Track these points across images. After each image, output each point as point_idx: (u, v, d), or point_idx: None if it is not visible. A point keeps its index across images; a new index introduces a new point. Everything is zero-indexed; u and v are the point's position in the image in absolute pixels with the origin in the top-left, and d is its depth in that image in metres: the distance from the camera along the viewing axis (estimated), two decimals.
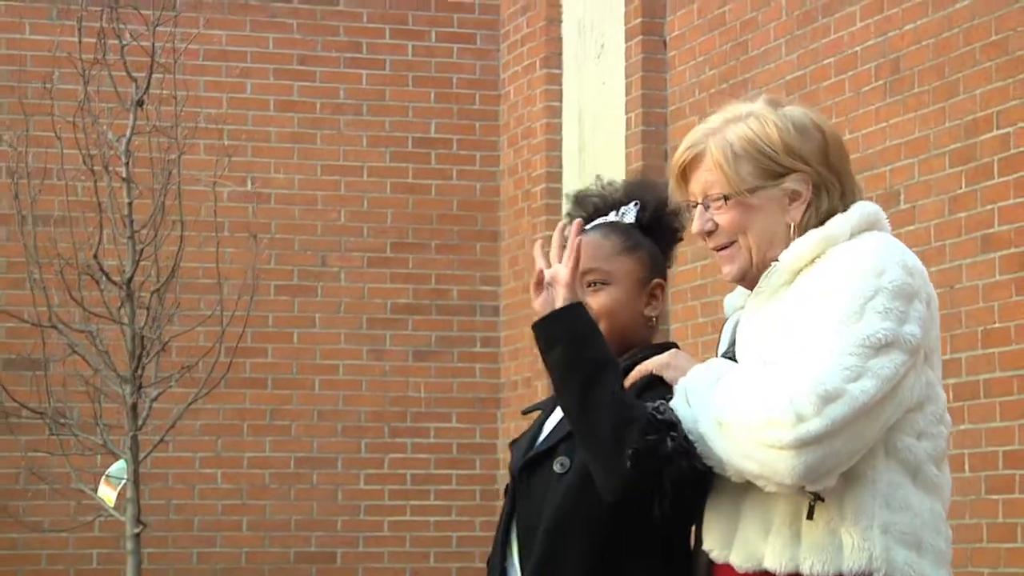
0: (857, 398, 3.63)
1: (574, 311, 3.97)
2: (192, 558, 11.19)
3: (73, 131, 8.49)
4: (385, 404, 11.60)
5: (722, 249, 3.92)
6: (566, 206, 4.59)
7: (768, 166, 3.88)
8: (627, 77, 10.41)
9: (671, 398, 3.94)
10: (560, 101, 11.19)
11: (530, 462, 4.27)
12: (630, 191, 4.42)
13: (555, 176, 11.14)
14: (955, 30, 8.04)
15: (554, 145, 11.15)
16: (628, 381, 4.04)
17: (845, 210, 3.88)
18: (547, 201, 11.12)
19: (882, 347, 3.68)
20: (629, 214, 4.32)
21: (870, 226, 3.89)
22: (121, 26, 8.61)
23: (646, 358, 4.19)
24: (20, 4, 11.14)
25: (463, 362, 11.74)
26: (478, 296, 11.84)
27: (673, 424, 3.82)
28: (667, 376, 3.99)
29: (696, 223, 3.91)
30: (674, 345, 4.39)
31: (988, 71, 7.85)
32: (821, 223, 3.87)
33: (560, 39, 11.22)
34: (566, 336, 3.97)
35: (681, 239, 4.42)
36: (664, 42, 10.26)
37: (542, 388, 11.00)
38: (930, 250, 8.11)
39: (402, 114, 11.77)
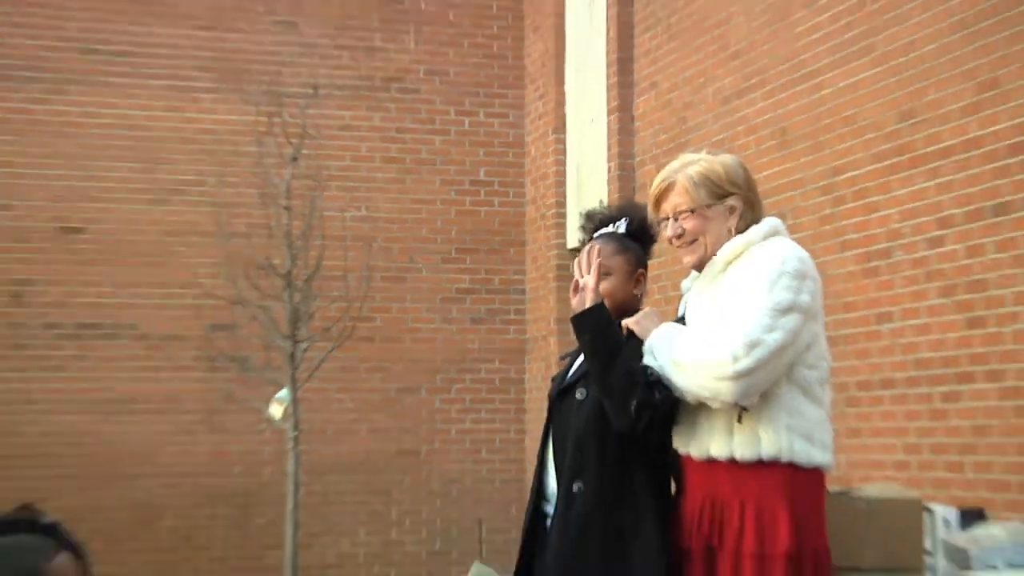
0: (771, 344, 3.74)
1: (598, 310, 4.06)
2: (329, 452, 11.27)
3: (252, 177, 8.60)
4: (452, 353, 11.65)
5: (687, 246, 4.03)
6: (579, 221, 4.57)
7: (716, 190, 3.99)
8: (608, 139, 10.42)
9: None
10: (564, 155, 11.21)
11: (561, 392, 4.35)
12: (621, 210, 4.53)
13: (561, 204, 11.18)
14: (825, 106, 8.10)
15: (560, 184, 11.19)
16: None
17: (757, 222, 3.99)
18: (556, 220, 11.17)
19: (786, 310, 3.78)
20: (621, 226, 4.41)
21: (775, 232, 3.99)
22: (283, 108, 8.70)
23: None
24: (217, 96, 11.19)
25: (502, 325, 11.79)
26: (511, 282, 11.88)
27: (659, 381, 3.90)
28: (637, 331, 4.03)
29: (669, 230, 4.04)
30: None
31: (844, 135, 7.91)
32: (744, 230, 3.98)
33: (564, 115, 11.25)
34: (592, 328, 4.04)
35: (655, 241, 4.51)
36: (632, 117, 10.27)
37: (555, 343, 11.06)
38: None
39: (462, 165, 11.81)
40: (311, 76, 9.84)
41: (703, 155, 4.10)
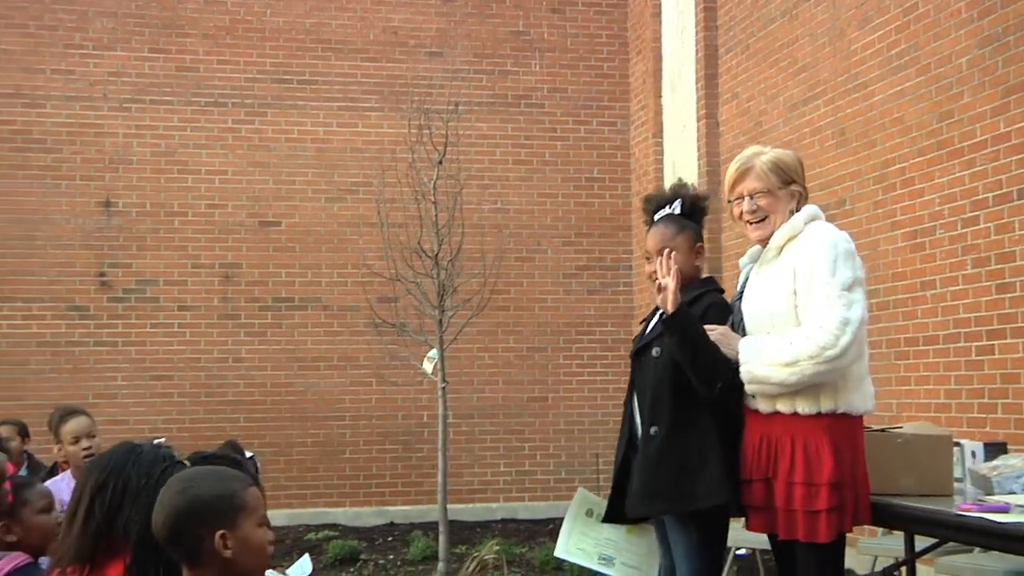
0: (856, 318, 3.64)
1: (682, 315, 3.93)
2: (473, 399, 11.32)
3: (406, 178, 8.62)
4: (571, 318, 11.60)
5: (757, 223, 3.91)
6: (641, 205, 4.46)
7: (784, 176, 3.90)
8: (697, 142, 10.29)
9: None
10: (662, 155, 11.08)
11: (639, 350, 4.28)
12: (675, 193, 4.39)
13: None
14: (876, 110, 7.90)
15: (659, 179, 11.04)
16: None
17: (799, 209, 3.87)
18: None
19: (851, 286, 3.68)
20: (677, 207, 4.30)
21: (815, 217, 3.88)
22: (429, 122, 8.71)
23: (700, 289, 4.18)
24: (381, 114, 11.26)
25: (612, 295, 11.69)
26: (620, 260, 11.78)
27: (736, 369, 3.83)
28: (721, 346, 3.86)
29: (745, 206, 3.90)
30: (712, 279, 4.37)
31: (892, 134, 7.70)
32: (795, 212, 3.87)
33: (662, 123, 11.12)
34: (680, 329, 3.93)
35: (706, 215, 4.37)
36: (717, 123, 10.13)
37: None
38: (859, 231, 7.99)
39: (578, 165, 11.72)
40: (455, 96, 9.82)
41: (769, 148, 4.00)
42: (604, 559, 4.56)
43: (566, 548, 4.59)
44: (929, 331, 7.31)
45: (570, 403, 11.45)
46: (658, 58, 11.15)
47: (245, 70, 11.25)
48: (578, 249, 11.63)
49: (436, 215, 8.33)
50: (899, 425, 4.32)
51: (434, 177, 8.37)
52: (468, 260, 8.93)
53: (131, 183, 10.97)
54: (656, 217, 4.30)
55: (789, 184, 3.89)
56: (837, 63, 8.31)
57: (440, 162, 8.38)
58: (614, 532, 4.41)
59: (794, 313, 3.70)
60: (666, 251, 4.05)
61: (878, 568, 5.99)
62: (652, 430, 4.09)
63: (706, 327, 3.96)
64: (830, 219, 8.07)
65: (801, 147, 8.71)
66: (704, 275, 4.36)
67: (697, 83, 10.31)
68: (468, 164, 10.78)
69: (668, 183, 10.98)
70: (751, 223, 3.91)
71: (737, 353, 3.82)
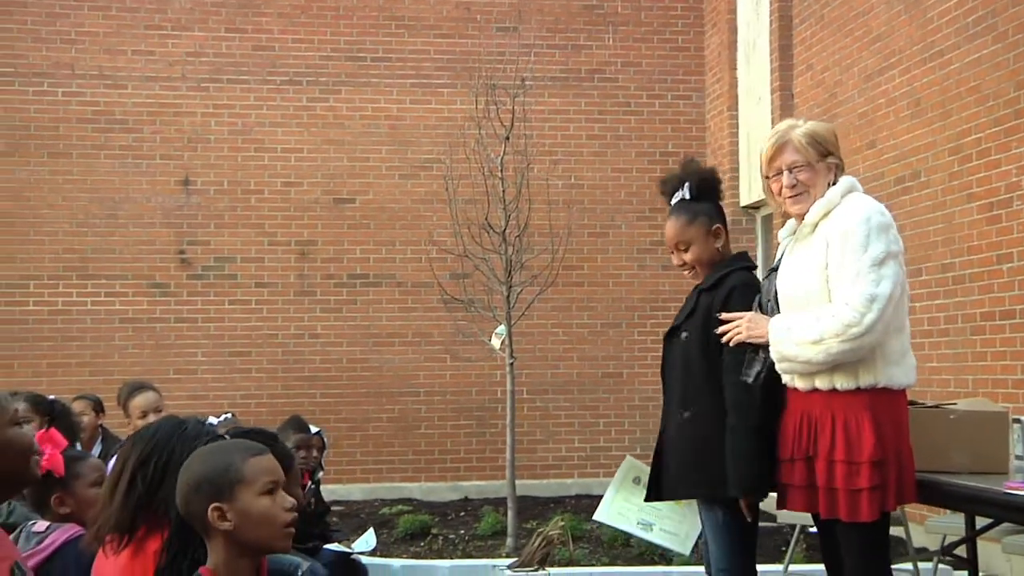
0: (885, 294, 3.56)
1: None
2: (547, 375, 11.33)
3: (475, 154, 8.62)
4: (646, 294, 11.52)
5: (797, 196, 3.84)
6: (659, 188, 4.34)
7: (821, 149, 3.82)
8: (772, 114, 10.13)
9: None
10: (737, 129, 10.95)
11: (669, 332, 4.25)
12: (684, 173, 4.26)
13: (735, 169, 10.92)
14: (952, 80, 7.72)
15: (734, 153, 10.94)
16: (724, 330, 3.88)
17: (835, 182, 3.80)
18: (730, 183, 10.87)
19: (883, 261, 3.59)
20: (686, 192, 4.22)
21: (852, 189, 3.81)
22: (497, 98, 8.70)
23: (727, 269, 4.11)
24: (453, 90, 11.26)
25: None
26: None
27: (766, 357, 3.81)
28: (754, 334, 3.81)
29: (785, 180, 3.83)
30: (743, 254, 4.30)
31: (968, 104, 7.52)
32: (831, 185, 3.80)
33: (737, 96, 10.98)
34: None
35: (719, 185, 4.25)
36: (792, 95, 9.96)
37: None
38: (934, 204, 7.83)
39: (653, 139, 11.61)
40: (528, 71, 9.79)
41: (803, 120, 3.93)
42: (643, 524, 4.55)
43: (607, 513, 4.60)
44: (1006, 305, 7.14)
45: (645, 379, 11.39)
46: (733, 30, 11.01)
47: (319, 48, 11.34)
48: (652, 224, 11.53)
49: (503, 191, 8.33)
50: (953, 402, 4.23)
51: (501, 153, 8.36)
52: (537, 234, 8.92)
53: (209, 162, 11.15)
54: (671, 204, 4.24)
55: (826, 156, 3.82)
56: (912, 32, 8.12)
57: (507, 138, 8.37)
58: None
59: (827, 289, 3.64)
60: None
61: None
62: (685, 414, 4.06)
63: (733, 316, 3.90)
64: (905, 191, 7.98)
65: (876, 118, 8.56)
66: (735, 252, 4.28)
67: (771, 54, 10.16)
68: (540, 140, 10.77)
69: (743, 156, 10.94)
70: (790, 197, 3.84)
71: (766, 336, 3.77)
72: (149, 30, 11.17)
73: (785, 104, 9.90)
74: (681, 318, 4.21)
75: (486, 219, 8.30)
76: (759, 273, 4.24)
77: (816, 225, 3.76)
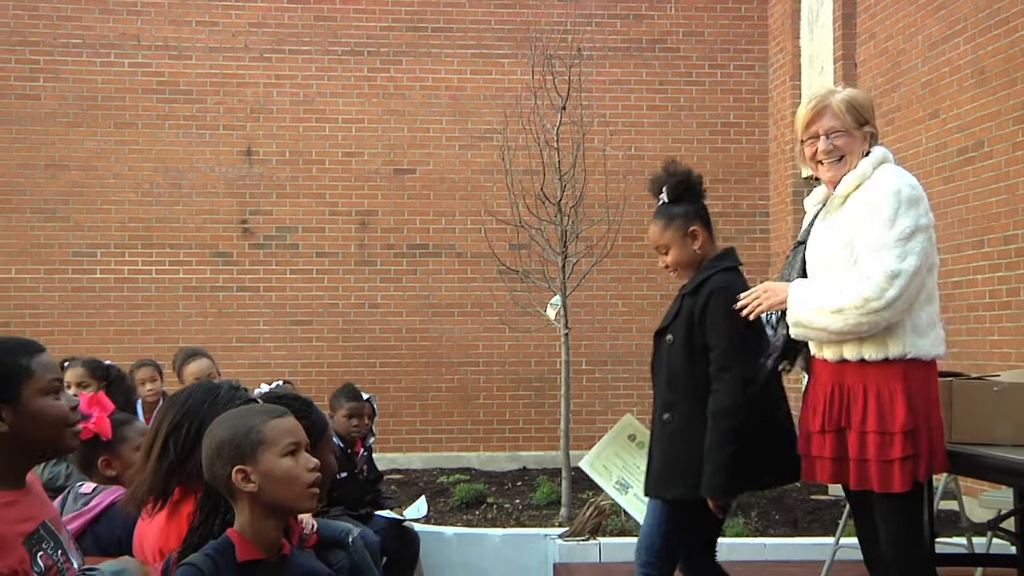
0: (909, 270, 3.54)
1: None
2: (606, 346, 11.34)
3: (531, 125, 8.63)
4: None
5: (833, 162, 3.81)
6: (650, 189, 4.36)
7: (859, 117, 3.80)
8: (834, 84, 9.99)
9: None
10: (800, 99, 10.79)
11: (657, 333, 4.27)
12: (664, 176, 4.30)
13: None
14: (1018, 47, 7.56)
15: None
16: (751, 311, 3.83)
17: (869, 152, 3.76)
18: (793, 155, 10.80)
19: (911, 236, 3.57)
20: (664, 197, 4.20)
21: (884, 160, 3.77)
22: (552, 68, 8.68)
23: (708, 272, 4.16)
24: (514, 60, 11.24)
25: (749, 242, 11.40)
26: (757, 207, 11.55)
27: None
28: (772, 301, 3.78)
29: (821, 145, 3.81)
30: (731, 249, 4.28)
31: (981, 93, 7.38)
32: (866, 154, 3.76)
33: (800, 65, 10.86)
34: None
35: (699, 185, 4.35)
36: (855, 64, 9.83)
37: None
38: (997, 175, 7.68)
39: (715, 110, 11.51)
40: (586, 41, 9.76)
41: (842, 87, 3.89)
42: (620, 485, 4.52)
43: (591, 463, 4.58)
44: None
45: None
46: None
47: (380, 19, 11.39)
48: (714, 195, 11.15)
49: (559, 161, 8.32)
50: (997, 373, 4.18)
51: (557, 123, 8.35)
52: (592, 204, 8.91)
53: (271, 132, 11.27)
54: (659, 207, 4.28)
55: (863, 125, 3.78)
56: None
57: (563, 108, 8.36)
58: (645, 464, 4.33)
59: (853, 261, 3.62)
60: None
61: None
62: (665, 416, 4.08)
63: (749, 295, 3.89)
64: (968, 162, 7.86)
65: (939, 87, 8.42)
66: (722, 249, 4.31)
67: (835, 23, 10.02)
68: (601, 110, 10.73)
69: None
70: (824, 162, 3.81)
71: (783, 302, 3.75)
72: (213, 1, 11.29)
73: (848, 73, 9.77)
74: (667, 320, 4.19)
75: (542, 189, 8.30)
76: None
77: (847, 197, 3.73)
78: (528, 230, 8.45)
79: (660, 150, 11.43)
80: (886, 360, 3.62)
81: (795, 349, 3.89)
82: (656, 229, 4.21)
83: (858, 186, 3.72)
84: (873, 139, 3.81)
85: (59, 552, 2.59)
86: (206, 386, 3.28)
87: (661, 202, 4.24)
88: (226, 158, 11.24)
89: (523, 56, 10.95)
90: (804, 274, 3.87)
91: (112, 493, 3.59)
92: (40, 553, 2.51)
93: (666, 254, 4.20)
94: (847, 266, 3.65)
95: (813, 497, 9.04)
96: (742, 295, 3.89)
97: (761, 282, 11.61)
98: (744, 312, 3.84)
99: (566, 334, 8.33)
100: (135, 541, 3.25)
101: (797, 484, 9.74)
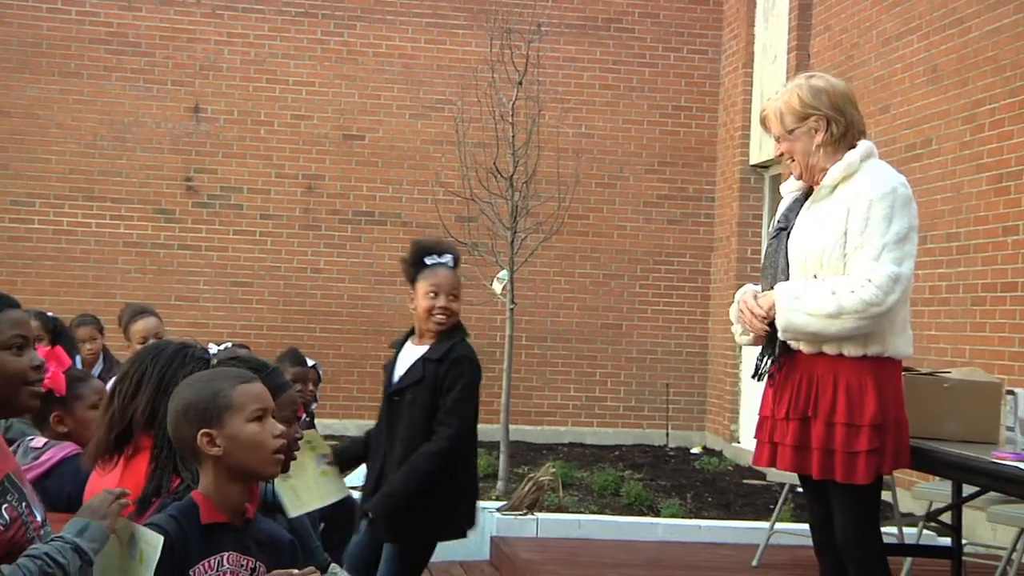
0: (907, 273, 3.61)
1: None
2: (547, 323, 11.35)
3: (487, 98, 8.59)
4: (650, 247, 11.46)
5: (790, 162, 3.89)
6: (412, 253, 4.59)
7: (797, 114, 3.81)
8: (787, 73, 10.03)
9: None
10: (751, 87, 10.86)
11: (393, 393, 4.42)
12: (442, 245, 4.65)
13: (747, 128, 10.85)
14: (971, 48, 7.66)
15: (747, 111, 10.86)
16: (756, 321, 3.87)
17: (854, 145, 3.79)
18: (741, 141, 10.87)
19: (905, 237, 3.62)
20: (451, 261, 4.53)
21: (869, 155, 3.80)
22: (511, 42, 8.65)
23: (451, 341, 4.42)
24: (468, 31, 11.20)
25: (693, 226, 11.50)
26: (703, 191, 11.56)
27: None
28: (762, 307, 3.81)
29: (774, 149, 3.91)
30: (461, 323, 4.55)
31: (986, 73, 7.48)
32: (838, 141, 3.78)
33: (753, 53, 10.90)
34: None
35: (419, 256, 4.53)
36: (808, 55, 9.90)
37: (736, 243, 10.84)
38: (943, 172, 7.79)
39: (666, 92, 11.51)
40: (544, 17, 9.72)
41: (799, 80, 3.91)
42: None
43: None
44: (1008, 277, 7.13)
45: (644, 332, 11.43)
46: None
47: None
48: (661, 178, 11.51)
49: (513, 136, 8.30)
50: (947, 370, 4.25)
51: (513, 98, 8.32)
52: (544, 181, 8.90)
53: (220, 90, 11.11)
54: (443, 263, 4.51)
55: (806, 119, 3.78)
56: None
57: (520, 83, 8.33)
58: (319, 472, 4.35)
59: (843, 253, 3.65)
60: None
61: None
62: (396, 469, 4.26)
63: (741, 297, 3.96)
64: (915, 159, 7.95)
65: (891, 83, 8.51)
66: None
67: (790, 13, 10.08)
68: (553, 87, 10.70)
69: (755, 115, 10.85)
70: (789, 163, 3.91)
71: (767, 310, 3.77)
72: None
73: (801, 64, 9.83)
74: (408, 382, 4.34)
75: (495, 164, 8.27)
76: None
77: (835, 188, 3.75)
78: (478, 203, 8.43)
79: (610, 130, 11.46)
80: (863, 357, 3.65)
81: (775, 343, 3.86)
82: (455, 281, 4.41)
83: (846, 177, 3.73)
84: (832, 126, 3.78)
85: (23, 504, 2.55)
86: (154, 343, 3.27)
87: (450, 264, 4.47)
88: (173, 114, 11.06)
89: (479, 28, 10.93)
90: (788, 261, 3.86)
91: (63, 449, 3.54)
92: (4, 505, 2.48)
93: (454, 301, 4.39)
94: (839, 256, 3.66)
95: (746, 482, 9.16)
96: (739, 311, 3.89)
97: (702, 266, 11.65)
98: (752, 330, 3.88)
99: (511, 309, 8.32)
100: (86, 497, 3.20)
101: (730, 468, 9.95)
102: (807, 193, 3.91)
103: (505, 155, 8.32)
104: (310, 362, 6.60)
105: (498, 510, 7.23)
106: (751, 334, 3.88)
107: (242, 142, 11.12)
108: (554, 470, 7.57)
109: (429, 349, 4.39)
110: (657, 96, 11.51)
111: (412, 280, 4.49)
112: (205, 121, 11.09)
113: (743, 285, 11.38)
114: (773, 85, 10.36)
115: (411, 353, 4.43)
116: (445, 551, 6.99)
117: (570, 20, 11.34)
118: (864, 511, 3.66)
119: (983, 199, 7.38)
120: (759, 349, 3.97)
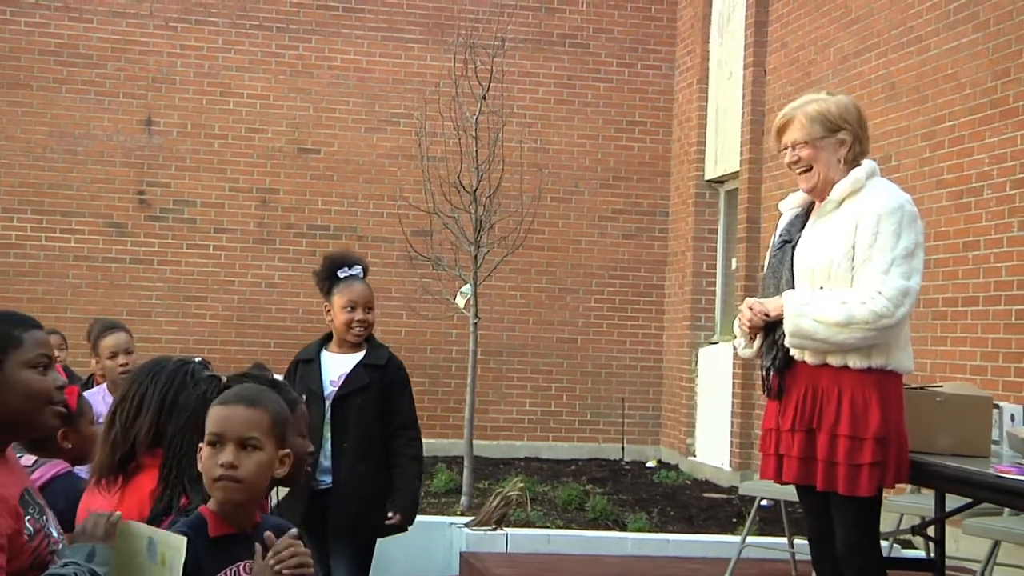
0: (916, 288, 3.63)
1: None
2: (503, 337, 11.29)
3: (448, 112, 8.55)
4: (605, 261, 11.43)
5: (803, 173, 3.87)
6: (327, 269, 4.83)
7: (829, 125, 3.81)
8: (743, 90, 10.12)
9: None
10: (706, 102, 10.92)
11: (345, 397, 4.60)
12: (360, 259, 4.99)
13: (702, 143, 10.90)
14: (930, 66, 7.75)
15: (702, 126, 10.91)
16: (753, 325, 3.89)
17: (863, 156, 3.81)
18: (696, 156, 10.91)
19: (913, 251, 3.64)
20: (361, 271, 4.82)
21: (874, 173, 3.82)
22: (475, 56, 8.61)
23: (387, 351, 4.81)
24: (424, 46, 11.15)
25: (648, 241, 11.52)
26: (657, 205, 11.56)
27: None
28: (768, 310, 3.82)
29: (787, 157, 3.88)
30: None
31: (945, 91, 7.56)
32: (855, 159, 3.80)
33: (708, 69, 10.95)
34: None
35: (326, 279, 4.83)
36: (764, 71, 9.96)
37: (691, 257, 10.87)
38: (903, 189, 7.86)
39: (620, 107, 11.53)
40: (500, 31, 9.69)
41: (822, 95, 3.92)
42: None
43: None
44: (969, 292, 7.21)
45: (599, 346, 11.42)
46: (707, 2, 10.96)
47: None
48: (615, 192, 11.52)
49: (476, 150, 8.26)
50: (939, 384, 4.26)
51: (477, 112, 8.28)
52: (506, 198, 8.87)
53: (173, 103, 10.94)
54: (355, 276, 4.79)
55: (836, 132, 3.80)
56: (892, 15, 8.14)
57: (484, 97, 8.30)
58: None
59: (851, 267, 3.64)
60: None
61: (904, 526, 5.95)
62: (360, 468, 4.50)
63: (747, 305, 3.95)
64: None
65: None
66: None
67: (746, 30, 10.14)
68: (510, 102, 10.64)
69: (711, 130, 10.94)
70: (798, 173, 3.86)
71: (780, 311, 3.76)
72: None
73: (757, 80, 9.90)
74: (352, 387, 4.56)
75: (458, 178, 8.22)
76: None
77: (841, 202, 3.76)
78: (441, 217, 8.36)
79: (565, 144, 11.46)
80: (868, 369, 3.65)
81: (776, 355, 3.84)
82: (369, 293, 4.69)
83: (853, 193, 3.74)
84: (857, 142, 3.82)
85: (44, 517, 2.55)
86: (155, 360, 3.19)
87: (361, 275, 4.72)
88: (125, 127, 10.87)
89: (434, 42, 10.89)
90: (793, 274, 3.86)
91: (54, 467, 3.42)
92: (28, 517, 2.48)
93: (370, 313, 4.69)
94: (847, 269, 3.65)
95: (706, 495, 9.16)
96: (740, 320, 3.86)
97: (657, 280, 11.69)
98: (748, 330, 3.86)
99: (475, 323, 8.27)
100: (80, 515, 3.11)
101: (688, 481, 9.96)
102: (808, 210, 3.91)
103: (469, 169, 8.26)
104: (278, 377, 6.50)
105: (466, 525, 7.15)
106: (753, 347, 3.86)
107: (195, 155, 10.95)
108: (521, 485, 7.51)
109: (366, 356, 4.69)
110: (612, 111, 11.53)
111: (327, 293, 4.72)
112: (158, 134, 10.90)
113: (698, 299, 11.39)
114: (729, 101, 10.42)
115: (340, 361, 4.65)
116: (414, 567, 6.92)
117: (525, 35, 11.32)
118: (866, 523, 3.66)
119: (943, 215, 7.45)
120: (742, 367, 3.97)
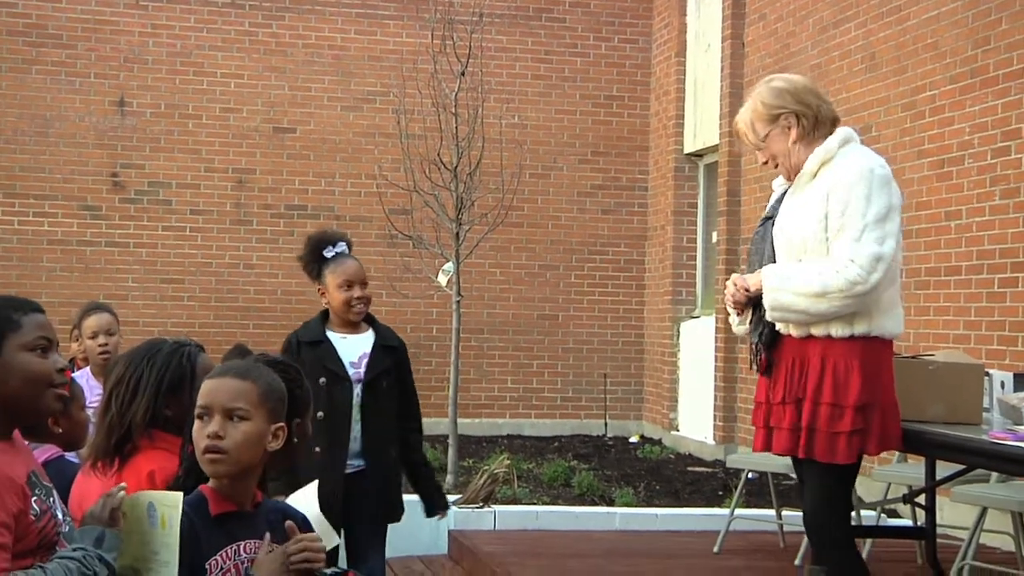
0: (888, 252, 3.62)
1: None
2: (483, 315, 11.28)
3: (428, 88, 8.51)
4: (585, 237, 11.46)
5: (775, 167, 3.91)
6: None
7: (765, 119, 3.83)
8: (721, 62, 10.12)
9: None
10: (684, 75, 10.91)
11: (372, 381, 4.49)
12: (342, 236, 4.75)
13: (680, 116, 10.90)
14: (909, 35, 7.77)
15: (680, 100, 10.91)
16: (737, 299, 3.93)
17: (825, 125, 3.82)
18: (675, 130, 10.91)
19: (886, 216, 3.64)
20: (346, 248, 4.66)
21: (849, 140, 3.83)
22: (453, 32, 8.57)
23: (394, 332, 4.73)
24: (401, 22, 11.10)
25: (627, 216, 11.53)
26: (636, 180, 11.57)
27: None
28: (748, 285, 3.85)
29: (759, 159, 3.96)
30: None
31: (925, 60, 7.58)
32: (811, 133, 3.79)
33: (685, 42, 10.94)
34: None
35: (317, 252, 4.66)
36: (743, 43, 9.96)
37: (671, 231, 10.89)
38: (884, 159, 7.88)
39: (598, 82, 11.51)
40: (478, 6, 9.65)
41: (757, 89, 3.93)
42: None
43: None
44: (951, 261, 7.25)
45: (580, 322, 11.43)
46: None
47: None
48: (594, 168, 11.51)
49: (456, 127, 8.22)
50: (931, 353, 4.28)
51: (456, 89, 8.25)
52: (486, 174, 8.84)
53: (146, 83, 10.84)
54: (341, 254, 4.60)
55: (775, 120, 3.80)
56: None
57: (463, 73, 8.26)
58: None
59: (825, 237, 3.66)
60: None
61: (891, 495, 5.99)
62: (392, 452, 4.51)
63: (731, 281, 3.99)
64: None
65: (829, 71, 8.59)
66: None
67: (724, 2, 10.12)
68: (488, 77, 10.60)
69: (689, 103, 10.93)
70: (774, 168, 3.96)
71: (759, 287, 3.79)
72: None
73: (736, 52, 9.89)
74: (378, 370, 4.46)
75: (438, 155, 8.18)
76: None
77: (815, 174, 3.77)
78: (422, 195, 8.33)
79: (543, 120, 11.43)
80: (851, 337, 3.67)
81: (761, 331, 3.86)
82: (361, 269, 4.53)
83: (824, 163, 3.75)
84: (802, 120, 3.79)
85: (50, 499, 2.56)
86: (150, 342, 3.17)
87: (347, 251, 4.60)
88: (97, 108, 10.77)
89: (409, 19, 10.84)
90: (774, 248, 3.88)
91: (46, 451, 3.41)
92: (34, 498, 2.48)
93: (366, 288, 4.55)
94: (821, 240, 3.67)
95: (691, 469, 9.20)
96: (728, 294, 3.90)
97: (637, 255, 11.74)
98: (733, 307, 3.90)
99: (458, 301, 8.26)
100: (73, 499, 3.10)
101: (671, 456, 10.00)
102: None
103: (448, 146, 8.22)
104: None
105: (454, 503, 7.14)
106: (746, 323, 3.87)
107: (170, 136, 10.86)
108: (508, 462, 7.52)
109: (377, 337, 4.53)
110: (589, 86, 11.51)
111: (316, 275, 4.56)
112: (131, 115, 10.81)
113: (679, 273, 11.41)
114: (707, 73, 10.42)
115: (353, 342, 4.48)
116: (402, 546, 6.91)
117: (501, 10, 11.27)
118: (836, 491, 3.69)
119: (924, 184, 7.48)
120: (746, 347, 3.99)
